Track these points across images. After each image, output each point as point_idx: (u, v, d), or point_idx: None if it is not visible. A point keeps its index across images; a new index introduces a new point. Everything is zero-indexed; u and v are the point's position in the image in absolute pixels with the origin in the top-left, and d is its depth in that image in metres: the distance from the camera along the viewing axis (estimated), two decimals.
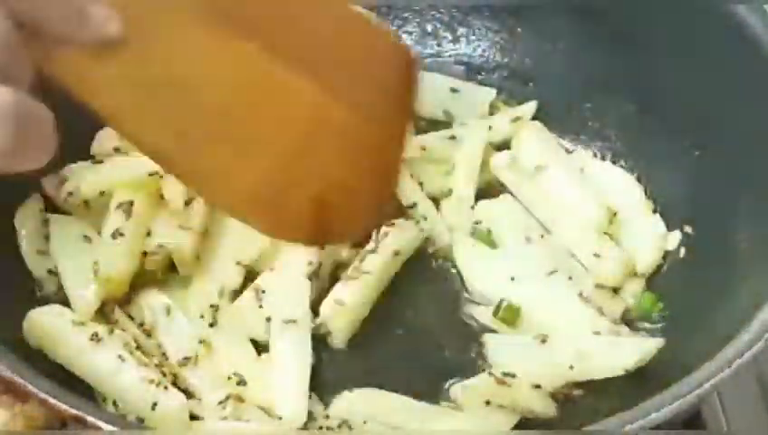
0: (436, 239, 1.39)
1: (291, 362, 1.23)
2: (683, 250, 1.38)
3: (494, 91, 1.54)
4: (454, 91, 1.55)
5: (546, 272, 1.33)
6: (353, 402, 1.22)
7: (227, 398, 1.21)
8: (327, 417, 1.21)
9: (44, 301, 1.31)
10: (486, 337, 1.29)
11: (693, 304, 1.30)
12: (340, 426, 1.21)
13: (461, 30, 1.58)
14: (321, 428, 1.21)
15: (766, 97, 1.29)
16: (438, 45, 1.59)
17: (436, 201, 1.42)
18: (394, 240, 1.32)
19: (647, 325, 1.33)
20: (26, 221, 1.36)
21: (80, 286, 1.30)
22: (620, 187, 1.44)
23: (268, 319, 1.26)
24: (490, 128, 1.47)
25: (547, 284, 1.32)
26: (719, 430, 1.28)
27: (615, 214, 1.39)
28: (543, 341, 1.27)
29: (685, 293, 1.34)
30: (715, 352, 1.06)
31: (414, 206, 1.41)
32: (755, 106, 1.30)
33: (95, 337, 1.23)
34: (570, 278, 1.34)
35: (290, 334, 1.25)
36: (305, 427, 1.20)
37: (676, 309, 1.34)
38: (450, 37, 1.59)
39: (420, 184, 1.42)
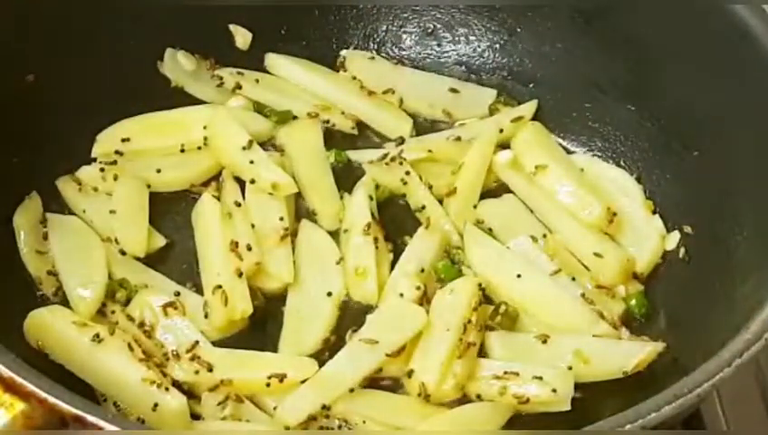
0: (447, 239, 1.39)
1: None
2: (682, 250, 1.38)
3: (494, 92, 1.55)
4: (454, 91, 1.55)
5: (550, 272, 1.34)
6: (353, 402, 1.22)
7: (226, 398, 1.21)
8: (327, 417, 1.21)
9: (44, 301, 1.32)
10: (490, 334, 1.29)
11: (692, 304, 1.31)
12: (340, 426, 1.21)
13: (461, 30, 1.58)
14: (321, 428, 1.21)
15: (766, 97, 1.29)
16: (438, 45, 1.59)
17: (440, 200, 1.43)
18: None
19: (647, 327, 1.33)
20: (25, 221, 1.36)
21: (80, 286, 1.31)
22: (620, 187, 1.45)
23: None
24: (501, 131, 1.48)
25: (551, 283, 1.33)
26: (719, 430, 1.28)
27: (615, 214, 1.39)
28: (544, 341, 1.27)
29: (684, 293, 1.34)
30: (715, 352, 1.05)
31: (422, 209, 1.42)
32: (755, 106, 1.30)
33: (96, 338, 1.23)
34: (573, 279, 1.34)
35: None
36: (305, 427, 1.20)
37: (676, 309, 1.34)
38: (450, 37, 1.59)
39: (430, 187, 1.43)
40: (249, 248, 1.33)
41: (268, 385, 1.22)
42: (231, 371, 1.23)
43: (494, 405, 1.22)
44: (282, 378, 1.22)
